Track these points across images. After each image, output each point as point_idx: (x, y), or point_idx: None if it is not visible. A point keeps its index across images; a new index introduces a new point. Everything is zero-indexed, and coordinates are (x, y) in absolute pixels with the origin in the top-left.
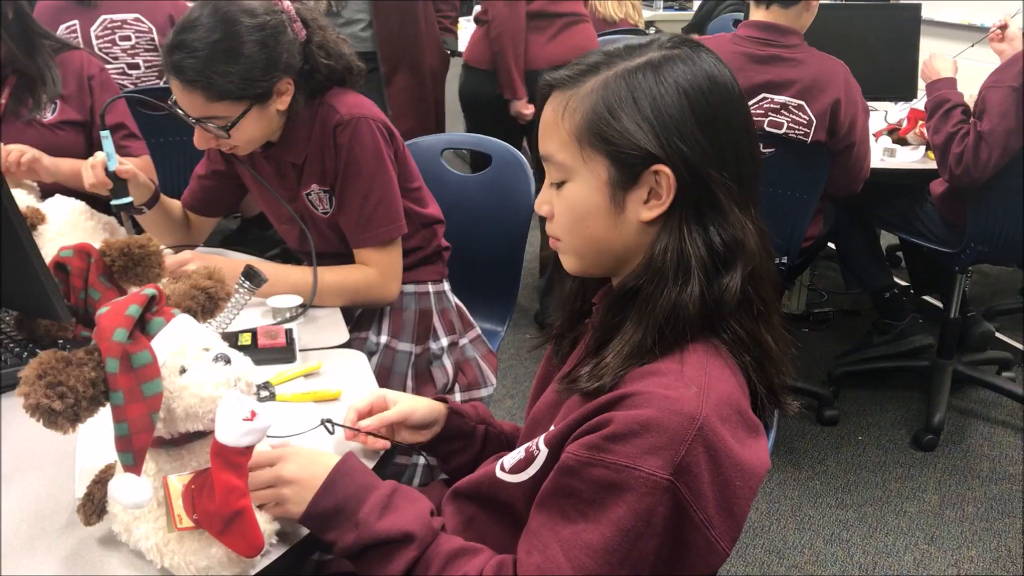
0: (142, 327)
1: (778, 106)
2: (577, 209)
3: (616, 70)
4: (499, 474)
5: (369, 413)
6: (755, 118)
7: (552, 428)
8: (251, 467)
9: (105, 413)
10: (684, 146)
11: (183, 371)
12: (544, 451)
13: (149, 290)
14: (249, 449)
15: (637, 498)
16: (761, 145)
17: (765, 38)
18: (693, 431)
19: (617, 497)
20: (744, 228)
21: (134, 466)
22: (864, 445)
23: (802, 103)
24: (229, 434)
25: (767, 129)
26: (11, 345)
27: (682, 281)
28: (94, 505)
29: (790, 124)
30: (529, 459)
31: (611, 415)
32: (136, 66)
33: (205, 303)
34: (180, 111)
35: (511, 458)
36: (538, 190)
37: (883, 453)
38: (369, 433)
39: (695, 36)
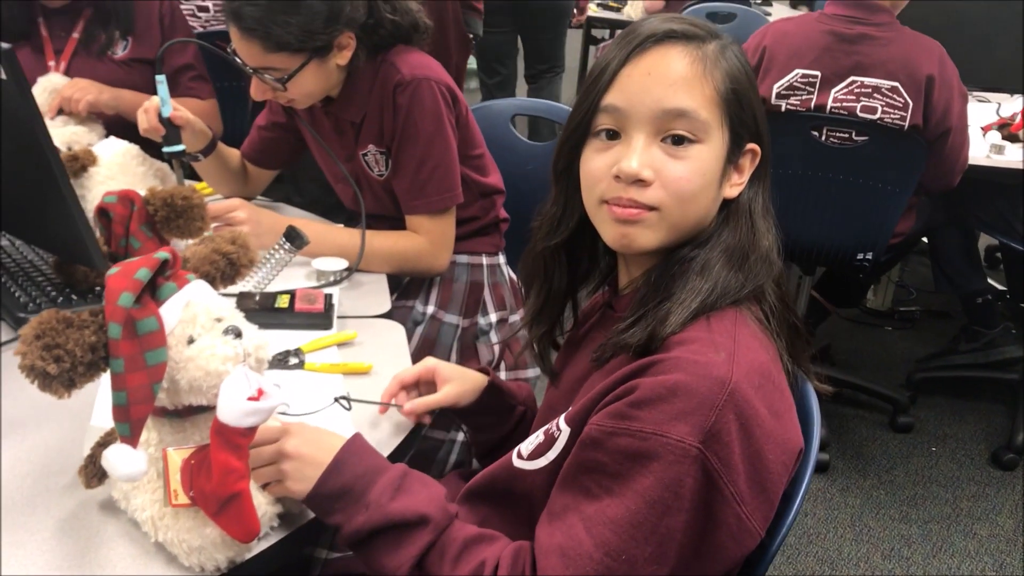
0: (152, 292)
1: (870, 89)
2: (708, 175)
3: (722, 40)
4: (516, 462)
5: (415, 385)
6: (847, 103)
7: (572, 407)
8: (255, 443)
9: None
10: (765, 126)
11: (191, 341)
12: (566, 430)
13: (162, 253)
14: (252, 430)
15: (664, 467)
16: (853, 132)
17: (853, 16)
18: (724, 396)
19: (643, 467)
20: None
21: (130, 437)
22: (938, 457)
23: (895, 84)
24: (230, 413)
25: (860, 115)
26: (48, 288)
27: (750, 247)
28: (95, 468)
29: (884, 108)
30: (549, 442)
31: (636, 382)
32: (206, 8)
33: (225, 269)
34: (238, 60)
35: (528, 444)
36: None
37: (958, 468)
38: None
39: (784, 18)
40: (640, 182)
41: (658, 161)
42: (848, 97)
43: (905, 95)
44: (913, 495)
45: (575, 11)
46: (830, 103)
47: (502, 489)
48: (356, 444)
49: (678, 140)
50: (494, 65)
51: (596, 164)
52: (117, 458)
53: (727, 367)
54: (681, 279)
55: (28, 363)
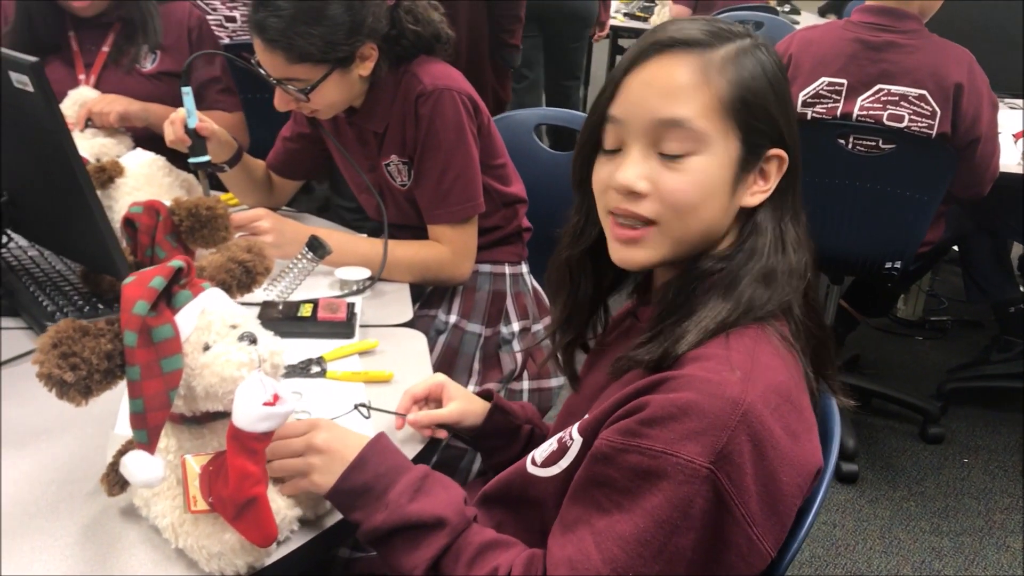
0: (168, 299)
1: (897, 97)
2: (706, 187)
3: (738, 44)
4: (530, 468)
5: (425, 399)
6: (874, 111)
7: (587, 416)
8: (282, 436)
9: None
10: (792, 131)
11: (207, 348)
12: (578, 440)
13: (176, 262)
14: (267, 435)
15: (674, 486)
16: (880, 141)
17: (880, 23)
18: (736, 417)
19: (652, 485)
20: (800, 214)
21: (148, 444)
22: (970, 468)
23: (923, 92)
24: (245, 418)
25: (887, 123)
26: (75, 297)
27: (774, 261)
28: (117, 476)
29: (912, 116)
30: (562, 450)
31: (648, 398)
32: (233, 19)
33: (241, 277)
34: (262, 71)
35: (542, 451)
36: None
37: (990, 480)
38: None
39: (809, 26)
40: (636, 194)
41: (655, 173)
42: (875, 105)
43: (933, 103)
44: (944, 507)
45: (596, 27)
46: (856, 111)
47: (516, 494)
48: (380, 443)
49: (675, 151)
50: (521, 70)
51: (601, 175)
52: (135, 465)
53: (741, 387)
54: (703, 295)
55: (45, 371)
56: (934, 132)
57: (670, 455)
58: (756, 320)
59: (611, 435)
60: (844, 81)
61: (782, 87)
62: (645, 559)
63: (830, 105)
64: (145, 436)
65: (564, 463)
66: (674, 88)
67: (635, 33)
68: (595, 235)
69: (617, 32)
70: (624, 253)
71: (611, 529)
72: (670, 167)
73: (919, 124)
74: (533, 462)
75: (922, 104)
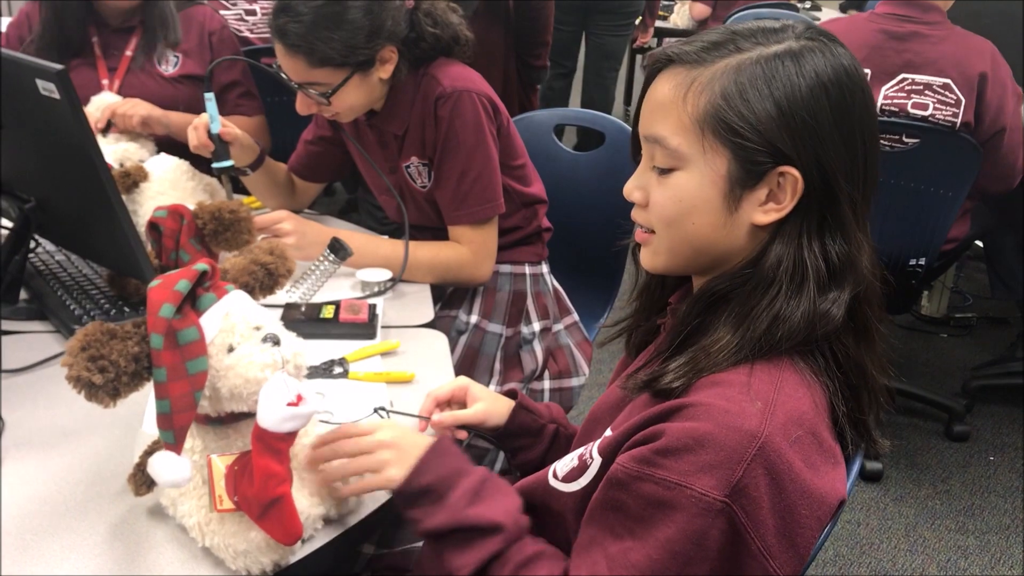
0: (193, 302)
1: (921, 86)
2: (685, 202)
3: (751, 54)
4: (551, 482)
5: (448, 402)
6: (897, 100)
7: (608, 433)
8: (350, 434)
9: None
10: (819, 149)
11: (231, 350)
12: (597, 460)
13: (201, 265)
14: (291, 435)
15: (688, 519)
16: (904, 135)
17: (904, 14)
18: (753, 450)
19: (666, 516)
20: (860, 247)
21: (174, 444)
22: (996, 467)
23: (947, 81)
24: (270, 418)
25: (911, 111)
26: (102, 301)
27: (791, 293)
28: (144, 476)
29: (936, 105)
30: (582, 468)
31: (664, 427)
32: (253, 12)
33: (264, 279)
34: (283, 75)
35: (564, 465)
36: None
37: (1017, 478)
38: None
39: (833, 19)
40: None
41: (648, 186)
42: (899, 94)
43: (957, 92)
44: (970, 505)
45: (640, 29)
46: (880, 100)
47: (538, 504)
48: (441, 445)
49: (664, 166)
50: (559, 59)
51: None
52: (162, 465)
53: (760, 419)
54: (716, 319)
55: (75, 374)
56: (959, 121)
57: (684, 487)
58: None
59: (626, 462)
60: (868, 71)
61: (809, 99)
62: None
63: None
64: (172, 437)
65: (583, 481)
66: (655, 106)
67: (656, 32)
68: None
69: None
70: (640, 255)
71: (624, 556)
72: (660, 181)
73: (943, 112)
74: (555, 475)
75: (946, 93)
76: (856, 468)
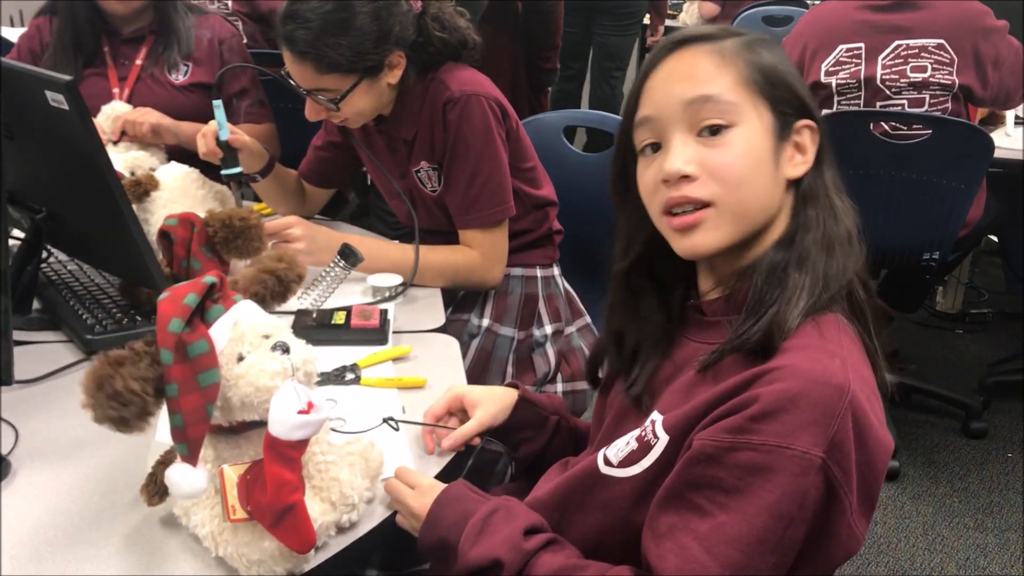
0: (202, 314)
1: (916, 49)
2: (753, 155)
3: (746, 37)
4: (604, 469)
5: (448, 414)
6: (896, 67)
7: (670, 412)
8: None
9: None
10: (815, 107)
11: (241, 359)
12: (664, 438)
13: (209, 277)
14: (303, 443)
15: (789, 479)
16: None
17: None
18: (844, 403)
19: (766, 481)
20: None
21: (190, 456)
22: (1014, 464)
23: (940, 41)
24: (281, 426)
25: (911, 75)
26: (114, 310)
27: (843, 250)
28: (157, 486)
29: (934, 65)
30: (644, 449)
31: (755, 392)
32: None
33: (275, 287)
34: (292, 82)
35: (617, 450)
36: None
37: None
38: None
39: (816, 6)
40: (687, 178)
41: (700, 155)
42: (896, 62)
43: (951, 51)
44: (989, 503)
45: (649, 31)
46: (879, 71)
47: (579, 499)
48: (447, 494)
49: (714, 130)
50: (567, 61)
51: (647, 178)
52: (179, 477)
53: (844, 374)
54: (782, 274)
55: (100, 416)
56: (955, 80)
57: (785, 448)
58: (830, 303)
59: (716, 434)
60: (861, 44)
61: (790, 67)
62: (763, 554)
63: (852, 69)
64: (187, 449)
65: (647, 462)
66: (697, 72)
67: (665, 30)
68: (645, 241)
69: (646, 29)
70: (687, 242)
71: (720, 531)
72: (713, 145)
73: (942, 72)
74: (607, 462)
75: (941, 53)
76: None
